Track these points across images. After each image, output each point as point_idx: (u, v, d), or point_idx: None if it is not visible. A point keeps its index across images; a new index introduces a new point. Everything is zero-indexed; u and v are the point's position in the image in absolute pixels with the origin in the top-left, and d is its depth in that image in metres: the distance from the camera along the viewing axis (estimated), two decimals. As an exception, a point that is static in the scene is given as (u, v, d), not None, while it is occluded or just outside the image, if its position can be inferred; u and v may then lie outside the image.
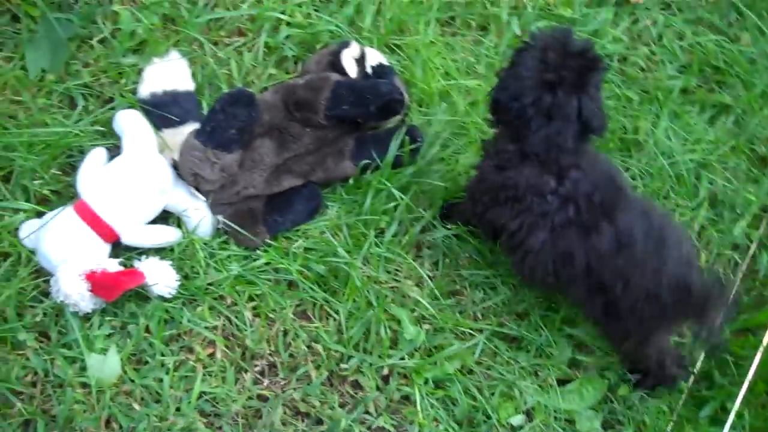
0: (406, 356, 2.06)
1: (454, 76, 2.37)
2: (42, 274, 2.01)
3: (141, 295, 2.00)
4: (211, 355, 2.01)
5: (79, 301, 1.93)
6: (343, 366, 2.04)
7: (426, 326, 2.10)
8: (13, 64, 2.21)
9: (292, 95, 2.11)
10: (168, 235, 2.07)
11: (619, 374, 2.14)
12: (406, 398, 2.05)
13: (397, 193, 2.13)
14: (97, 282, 1.91)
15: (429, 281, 2.14)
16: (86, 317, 1.99)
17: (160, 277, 1.99)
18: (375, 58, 2.25)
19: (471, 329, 2.12)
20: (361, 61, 2.22)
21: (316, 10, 2.37)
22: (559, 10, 2.56)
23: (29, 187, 2.08)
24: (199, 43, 2.29)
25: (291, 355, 2.05)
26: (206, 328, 2.03)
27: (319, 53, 2.26)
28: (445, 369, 2.05)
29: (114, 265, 1.97)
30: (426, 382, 2.05)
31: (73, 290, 1.91)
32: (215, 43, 2.31)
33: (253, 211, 2.11)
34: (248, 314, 2.06)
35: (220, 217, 2.10)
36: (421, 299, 2.11)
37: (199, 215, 2.08)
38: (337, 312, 2.08)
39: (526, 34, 2.48)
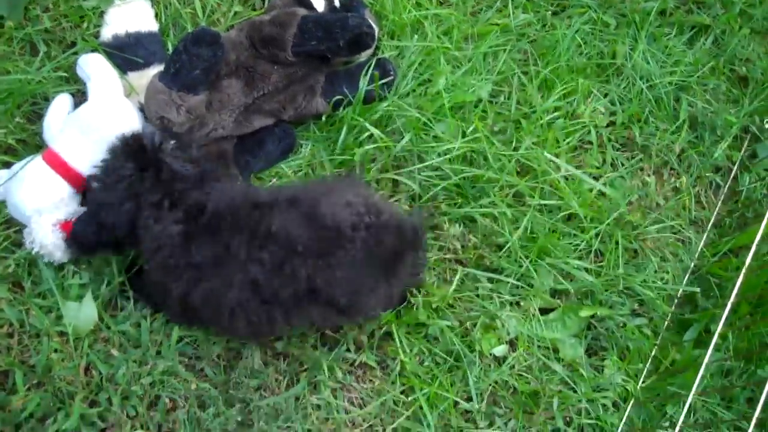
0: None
1: (425, 5, 2.31)
2: (12, 225, 1.99)
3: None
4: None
5: (54, 251, 1.90)
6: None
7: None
8: (-29, 12, 2.15)
9: (258, 32, 2.06)
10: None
11: (601, 300, 2.12)
12: (388, 334, 2.03)
13: (371, 128, 2.08)
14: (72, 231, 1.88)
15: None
16: (60, 266, 1.97)
17: None
18: (342, -10, 2.20)
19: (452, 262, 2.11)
20: (328, -6, 2.17)
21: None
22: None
23: (-6, 138, 2.04)
24: (162, -18, 2.23)
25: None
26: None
27: (285, -13, 2.20)
28: (421, 314, 2.03)
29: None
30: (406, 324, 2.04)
31: (48, 240, 1.88)
32: (178, -19, 2.25)
33: (224, 152, 2.07)
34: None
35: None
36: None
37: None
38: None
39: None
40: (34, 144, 2.07)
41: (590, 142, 2.26)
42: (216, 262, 1.70)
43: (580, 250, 2.15)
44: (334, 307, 1.72)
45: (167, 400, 1.91)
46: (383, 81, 2.11)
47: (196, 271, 1.71)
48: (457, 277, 2.07)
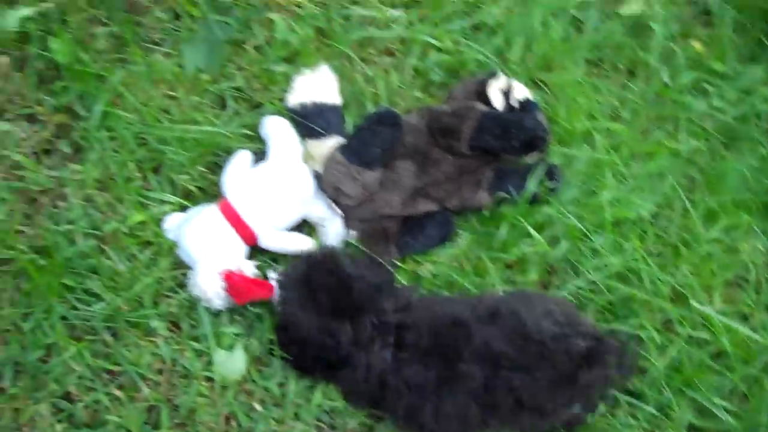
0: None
1: (597, 117, 2.36)
2: (180, 267, 2.08)
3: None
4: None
5: (213, 298, 1.99)
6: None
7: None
8: (171, 61, 2.28)
9: (438, 121, 2.14)
10: (303, 243, 2.11)
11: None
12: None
13: (531, 230, 2.13)
14: (231, 283, 1.96)
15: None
16: (216, 313, 2.05)
17: None
18: (521, 91, 2.25)
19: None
20: (507, 93, 2.23)
21: (465, 38, 2.39)
22: (710, 62, 2.52)
23: (176, 181, 2.15)
24: (349, 59, 2.33)
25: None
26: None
27: (466, 81, 2.28)
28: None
29: (250, 268, 2.02)
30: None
31: (209, 287, 1.97)
32: (364, 61, 2.34)
33: (386, 230, 2.14)
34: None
35: (353, 232, 2.14)
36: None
37: (334, 228, 2.13)
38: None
39: (673, 82, 2.46)
40: (212, 193, 2.17)
41: (747, 280, 2.25)
42: (426, 382, 1.82)
43: (726, 390, 2.10)
44: (541, 413, 1.80)
45: (300, 463, 1.96)
46: (549, 185, 2.15)
47: (407, 391, 1.83)
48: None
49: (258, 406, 1.97)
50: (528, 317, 1.81)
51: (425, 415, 1.83)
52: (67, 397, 1.99)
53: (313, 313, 1.86)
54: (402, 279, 2.12)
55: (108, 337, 2.03)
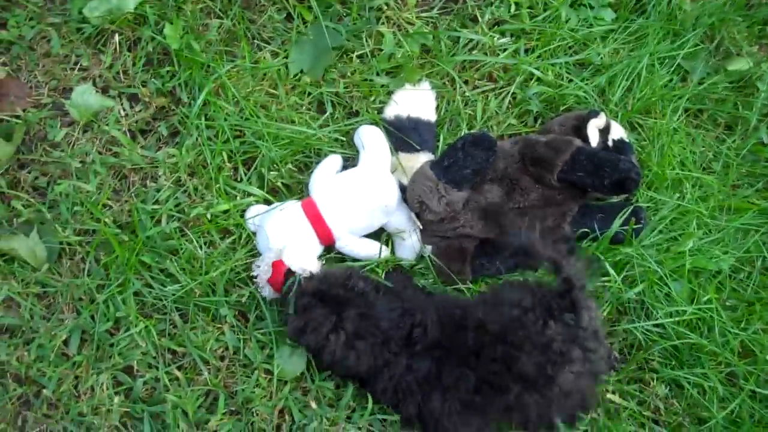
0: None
1: (689, 167, 2.34)
2: (256, 258, 2.11)
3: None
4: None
5: (264, 286, 2.04)
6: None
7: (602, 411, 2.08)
8: (277, 60, 2.32)
9: (532, 150, 2.14)
10: (377, 251, 2.13)
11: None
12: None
13: (610, 269, 2.11)
14: (276, 273, 1.99)
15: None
16: (282, 309, 2.07)
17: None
18: (618, 132, 2.25)
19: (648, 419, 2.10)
20: (604, 132, 2.22)
21: (568, 73, 2.39)
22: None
23: (265, 176, 2.19)
24: (451, 80, 2.35)
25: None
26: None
27: (564, 116, 2.28)
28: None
29: (315, 265, 2.04)
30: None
31: (264, 275, 2.01)
32: (466, 83, 2.35)
33: (464, 250, 2.15)
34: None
35: (430, 248, 2.15)
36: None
37: (411, 241, 2.14)
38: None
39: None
40: (297, 191, 2.22)
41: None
42: (431, 370, 1.89)
43: (783, 449, 2.08)
44: (531, 381, 1.80)
45: (345, 464, 1.96)
46: (634, 227, 2.13)
47: (418, 386, 1.90)
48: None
49: (313, 404, 1.98)
50: (505, 289, 1.93)
51: (434, 404, 1.87)
52: (129, 371, 2.04)
53: (334, 332, 1.88)
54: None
55: (177, 318, 2.07)
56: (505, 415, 1.88)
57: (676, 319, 2.11)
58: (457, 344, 1.86)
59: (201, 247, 2.12)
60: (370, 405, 1.97)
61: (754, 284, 2.25)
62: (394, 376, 1.89)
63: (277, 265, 1.99)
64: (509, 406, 1.85)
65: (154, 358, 2.04)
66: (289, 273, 1.96)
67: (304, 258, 2.02)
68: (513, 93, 2.36)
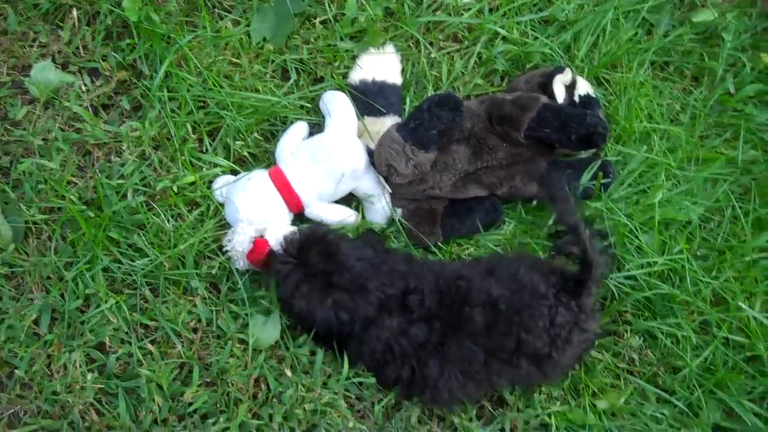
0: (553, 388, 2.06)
1: (656, 119, 2.33)
2: (225, 229, 2.10)
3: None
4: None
5: (239, 258, 2.02)
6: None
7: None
8: (238, 29, 2.30)
9: (498, 109, 2.13)
10: (348, 216, 2.13)
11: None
12: (544, 426, 2.04)
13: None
14: (257, 250, 1.99)
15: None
16: (255, 280, 2.08)
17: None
18: (584, 87, 2.24)
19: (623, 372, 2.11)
20: (570, 88, 2.21)
21: (533, 30, 2.38)
22: (777, 77, 2.49)
23: (230, 146, 2.17)
24: (416, 42, 2.33)
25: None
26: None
27: (530, 73, 2.27)
28: (589, 419, 2.03)
29: (289, 229, 2.03)
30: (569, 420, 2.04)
31: (241, 248, 2.00)
32: (431, 44, 2.34)
33: (433, 211, 2.14)
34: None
35: (400, 210, 2.14)
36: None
37: (381, 204, 2.14)
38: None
39: (737, 92, 2.43)
40: (264, 160, 2.20)
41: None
42: (430, 339, 1.89)
43: (756, 394, 2.09)
44: (537, 359, 1.86)
45: (323, 430, 1.96)
46: (602, 182, 2.13)
47: (413, 351, 1.90)
48: (629, 391, 2.06)
49: (288, 372, 1.97)
50: (521, 270, 1.91)
51: (431, 371, 1.88)
52: (101, 348, 2.03)
53: (315, 290, 1.87)
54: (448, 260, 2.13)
55: (147, 293, 2.06)
56: (504, 385, 1.95)
57: (648, 270, 2.11)
58: (463, 318, 1.87)
59: (168, 221, 2.10)
60: (345, 369, 1.96)
61: (724, 233, 2.25)
62: (382, 337, 1.88)
63: (259, 243, 1.97)
64: (512, 380, 1.92)
65: (126, 333, 2.03)
66: (272, 253, 1.95)
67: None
68: (478, 53, 2.34)
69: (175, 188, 2.11)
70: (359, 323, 1.88)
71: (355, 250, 1.91)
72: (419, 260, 2.05)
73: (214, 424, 1.93)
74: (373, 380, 1.98)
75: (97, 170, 2.15)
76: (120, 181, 2.11)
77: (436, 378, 1.88)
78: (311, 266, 1.87)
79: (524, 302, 1.85)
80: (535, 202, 2.18)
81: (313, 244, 1.89)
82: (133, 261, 2.07)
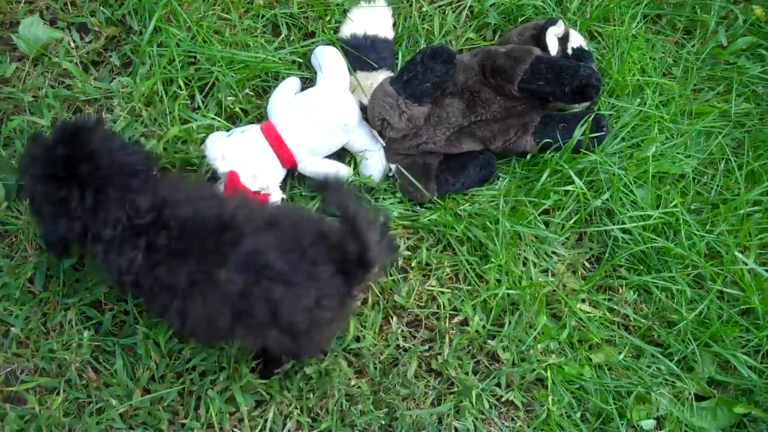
0: (550, 342, 2.07)
1: (649, 73, 2.33)
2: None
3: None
4: (364, 302, 2.06)
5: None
6: (489, 342, 2.05)
7: (574, 321, 2.09)
8: (227, -18, 2.28)
9: (492, 61, 2.12)
10: (341, 171, 2.12)
11: (758, 401, 2.09)
12: (540, 381, 2.05)
13: (575, 177, 2.11)
14: (230, 179, 1.99)
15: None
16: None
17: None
18: (577, 40, 2.24)
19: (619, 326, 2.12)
20: (563, 41, 2.21)
21: (525, -18, 2.37)
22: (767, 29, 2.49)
23: (222, 102, 2.15)
24: (407, -5, 2.32)
25: (435, 315, 2.08)
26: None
27: (523, 26, 2.26)
28: (585, 371, 2.04)
29: (277, 193, 2.05)
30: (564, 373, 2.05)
31: (216, 154, 2.02)
32: (422, -2, 2.33)
33: (428, 166, 2.13)
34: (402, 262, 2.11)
35: (394, 166, 2.13)
36: (576, 288, 2.11)
37: (375, 159, 2.13)
38: (487, 282, 2.09)
39: (730, 45, 2.43)
40: (256, 116, 2.19)
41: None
42: (177, 284, 1.66)
43: (750, 347, 2.12)
44: (292, 333, 1.68)
45: (327, 388, 1.96)
46: (595, 135, 2.13)
47: (159, 290, 1.68)
48: (626, 347, 2.08)
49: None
50: (306, 234, 1.68)
51: (171, 315, 1.70)
52: (97, 306, 2.01)
53: (49, 180, 1.63)
54: (438, 217, 2.11)
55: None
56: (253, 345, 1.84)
57: (642, 224, 2.12)
58: (218, 275, 1.63)
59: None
60: (351, 329, 1.97)
61: (717, 186, 2.26)
62: (123, 267, 1.66)
63: (232, 175, 1.98)
64: (260, 343, 1.76)
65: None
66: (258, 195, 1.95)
67: (264, 178, 2.03)
68: (470, 6, 2.33)
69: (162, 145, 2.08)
70: (101, 243, 1.65)
71: (115, 154, 1.66)
72: (192, 194, 1.76)
73: (213, 381, 1.93)
74: (372, 336, 1.99)
75: (88, 128, 2.12)
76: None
77: (179, 323, 1.71)
78: (57, 166, 1.63)
79: (295, 274, 1.63)
80: (528, 156, 2.17)
81: (70, 139, 1.65)
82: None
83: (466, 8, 2.33)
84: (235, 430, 1.94)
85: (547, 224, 2.16)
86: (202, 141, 2.11)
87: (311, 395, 1.95)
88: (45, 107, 2.11)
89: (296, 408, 1.95)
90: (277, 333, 1.67)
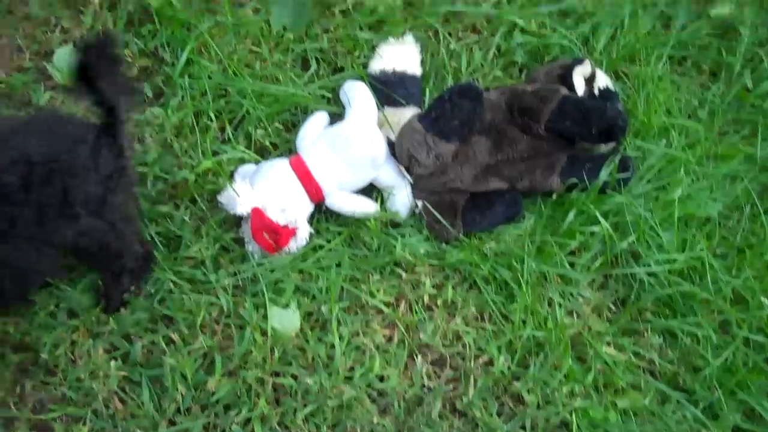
0: (575, 385, 2.05)
1: (675, 114, 2.34)
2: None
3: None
4: (389, 339, 2.07)
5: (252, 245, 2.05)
6: (514, 383, 2.04)
7: (599, 365, 2.08)
8: (258, 16, 2.30)
9: (519, 100, 2.14)
10: (368, 206, 2.13)
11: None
12: (565, 424, 2.04)
13: (601, 218, 2.11)
14: (255, 219, 2.00)
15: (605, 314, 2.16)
16: (273, 270, 2.07)
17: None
18: (603, 80, 2.25)
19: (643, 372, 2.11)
20: (590, 81, 2.22)
21: (552, 22, 2.38)
22: (796, 72, 2.50)
23: (252, 135, 2.17)
24: (435, 32, 2.34)
25: (460, 354, 2.07)
26: (384, 303, 2.08)
27: (550, 65, 2.28)
28: (610, 416, 2.02)
29: (305, 229, 2.07)
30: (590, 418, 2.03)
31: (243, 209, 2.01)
32: (450, 35, 2.34)
33: (454, 203, 2.14)
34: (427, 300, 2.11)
35: (420, 203, 2.15)
36: (601, 330, 2.11)
37: (402, 195, 2.14)
38: (512, 323, 2.09)
39: (755, 88, 2.44)
40: (285, 149, 2.20)
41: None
42: None
43: (777, 395, 2.11)
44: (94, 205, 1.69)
45: (348, 426, 1.96)
46: (621, 176, 2.14)
47: None
48: (652, 392, 2.06)
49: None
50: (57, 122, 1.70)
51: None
52: (125, 336, 2.02)
53: None
54: (470, 253, 2.12)
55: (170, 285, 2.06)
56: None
57: (668, 267, 2.12)
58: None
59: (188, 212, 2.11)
60: (375, 366, 1.97)
61: (743, 231, 2.26)
62: None
63: (257, 213, 1.99)
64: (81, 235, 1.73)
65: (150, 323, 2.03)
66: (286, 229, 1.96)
67: (292, 212, 2.04)
68: (497, 44, 2.35)
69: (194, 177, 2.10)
70: None
71: None
72: None
73: (238, 413, 1.93)
74: (396, 379, 2.00)
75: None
76: (142, 169, 2.11)
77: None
78: None
79: (63, 149, 1.61)
80: (554, 196, 2.18)
81: None
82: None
83: (494, 46, 2.35)
84: (257, 464, 1.94)
85: (572, 265, 2.15)
86: (232, 173, 2.13)
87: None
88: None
89: (318, 444, 1.95)
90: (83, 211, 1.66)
